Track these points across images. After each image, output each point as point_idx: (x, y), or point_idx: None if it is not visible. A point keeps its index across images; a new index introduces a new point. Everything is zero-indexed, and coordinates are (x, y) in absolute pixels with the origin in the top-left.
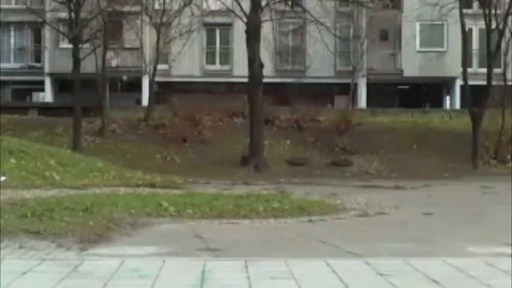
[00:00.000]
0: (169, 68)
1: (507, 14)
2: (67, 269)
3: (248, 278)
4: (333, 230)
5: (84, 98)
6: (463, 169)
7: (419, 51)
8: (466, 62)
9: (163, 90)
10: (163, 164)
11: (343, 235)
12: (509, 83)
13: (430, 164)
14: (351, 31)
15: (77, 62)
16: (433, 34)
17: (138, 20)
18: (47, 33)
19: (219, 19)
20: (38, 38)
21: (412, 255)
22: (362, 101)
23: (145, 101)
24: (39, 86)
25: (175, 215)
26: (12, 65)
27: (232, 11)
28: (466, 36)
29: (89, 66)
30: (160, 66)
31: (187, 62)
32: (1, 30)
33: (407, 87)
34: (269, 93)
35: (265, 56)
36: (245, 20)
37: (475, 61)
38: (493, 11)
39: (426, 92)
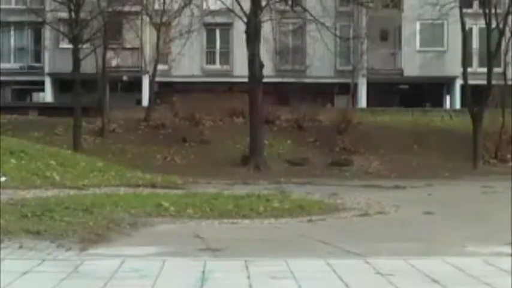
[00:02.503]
0: (170, 68)
1: (507, 13)
2: (67, 269)
3: (248, 277)
4: (333, 230)
5: (84, 98)
6: (463, 168)
7: (419, 51)
8: (466, 61)
9: (164, 90)
10: (163, 164)
11: (343, 235)
12: (510, 83)
13: (430, 163)
14: (351, 31)
15: (77, 62)
16: (433, 33)
17: (138, 20)
18: (47, 33)
19: (219, 19)
20: (38, 38)
21: (412, 255)
22: (362, 101)
23: (145, 101)
24: (39, 86)
25: (176, 215)
26: (12, 65)
27: (232, 11)
28: (466, 35)
29: (89, 66)
30: (160, 66)
31: (188, 62)
32: (1, 30)
33: (407, 86)
34: (269, 93)
35: (265, 55)
36: (245, 20)
37: (475, 60)
38: (493, 10)
39: (426, 92)
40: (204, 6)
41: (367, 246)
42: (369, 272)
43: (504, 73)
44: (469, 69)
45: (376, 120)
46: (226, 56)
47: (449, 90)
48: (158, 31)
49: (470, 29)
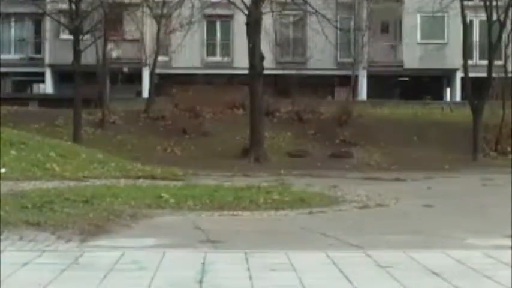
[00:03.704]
0: (170, 59)
1: (508, 6)
2: (67, 261)
3: (248, 269)
4: (334, 222)
5: (85, 90)
6: (463, 161)
7: (420, 43)
8: (466, 54)
9: (164, 82)
10: (163, 156)
11: (343, 227)
12: (510, 75)
13: (431, 156)
14: (352, 23)
15: (77, 53)
16: (434, 26)
17: (138, 12)
18: (48, 25)
19: (219, 11)
20: (38, 29)
21: (412, 247)
22: (362, 93)
23: (145, 93)
24: (40, 78)
25: (176, 207)
26: (12, 56)
27: (233, 3)
28: (467, 28)
29: (89, 57)
30: (160, 58)
31: (188, 54)
32: (1, 21)
33: (407, 79)
34: (269, 85)
35: (266, 47)
36: (246, 11)
37: (475, 53)
38: (494, 3)
39: (427, 84)
40: None
41: (367, 239)
42: (369, 264)
43: (505, 66)
44: (470, 62)
45: (376, 113)
46: (226, 48)
47: (450, 82)
48: (159, 23)
49: (471, 22)
